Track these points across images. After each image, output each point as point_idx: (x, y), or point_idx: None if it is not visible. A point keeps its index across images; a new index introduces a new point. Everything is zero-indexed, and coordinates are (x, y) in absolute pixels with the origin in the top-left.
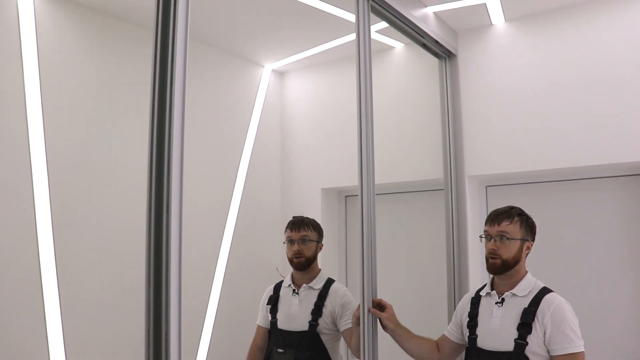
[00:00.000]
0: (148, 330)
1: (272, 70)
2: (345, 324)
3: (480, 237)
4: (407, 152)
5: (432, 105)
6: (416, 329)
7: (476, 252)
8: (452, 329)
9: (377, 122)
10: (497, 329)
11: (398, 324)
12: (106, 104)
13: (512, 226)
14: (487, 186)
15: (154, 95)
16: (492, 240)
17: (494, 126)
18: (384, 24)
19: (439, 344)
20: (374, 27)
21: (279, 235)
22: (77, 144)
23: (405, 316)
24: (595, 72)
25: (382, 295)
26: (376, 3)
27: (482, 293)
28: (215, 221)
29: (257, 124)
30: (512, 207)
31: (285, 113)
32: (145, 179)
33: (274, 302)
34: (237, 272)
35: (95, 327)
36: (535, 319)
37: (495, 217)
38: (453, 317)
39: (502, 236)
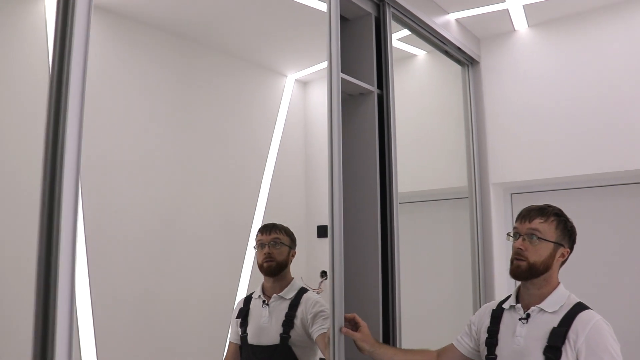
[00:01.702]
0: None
1: (295, 80)
2: (318, 330)
3: (508, 234)
4: (431, 160)
5: (455, 113)
6: (439, 342)
7: (502, 261)
8: (464, 340)
9: (399, 130)
10: (520, 350)
11: (375, 344)
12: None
13: (546, 225)
14: (512, 194)
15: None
16: (521, 239)
17: (518, 133)
18: (405, 32)
19: (441, 355)
20: (395, 35)
21: (304, 243)
22: (107, 149)
23: (428, 328)
24: (621, 77)
25: (404, 307)
26: (398, 11)
27: (506, 305)
28: (240, 229)
29: (281, 133)
30: (549, 205)
31: (308, 122)
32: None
33: (243, 315)
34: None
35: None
36: (567, 341)
37: (528, 214)
38: (466, 327)
39: (532, 235)
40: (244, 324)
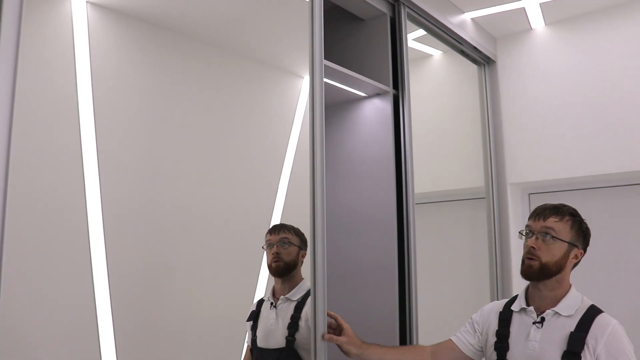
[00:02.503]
0: None
1: None
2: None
3: (520, 233)
4: (447, 160)
5: (472, 112)
6: None
7: (520, 262)
8: (465, 339)
9: (416, 131)
10: (535, 355)
11: (362, 345)
12: (156, 110)
13: (561, 224)
14: (529, 194)
15: None
16: (534, 238)
17: (535, 132)
18: (421, 32)
19: (437, 352)
20: (411, 35)
21: None
22: (128, 149)
23: (446, 329)
24: None
25: (421, 308)
26: (413, 11)
27: (515, 308)
28: (257, 231)
29: (298, 135)
30: (564, 205)
31: None
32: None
33: (254, 317)
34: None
35: (146, 322)
36: (586, 347)
37: (542, 212)
38: (468, 326)
39: (546, 233)
40: (254, 327)
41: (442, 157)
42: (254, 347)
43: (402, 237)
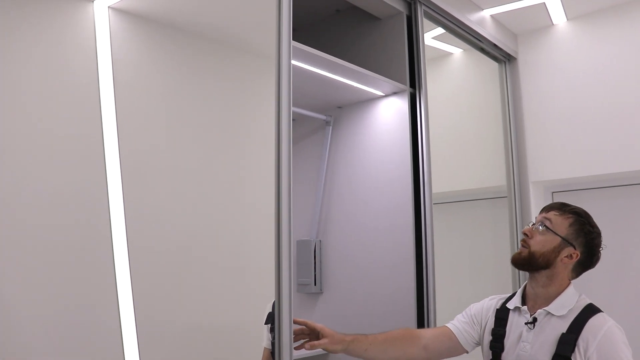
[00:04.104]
0: None
1: None
2: None
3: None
4: (468, 159)
5: (493, 110)
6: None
7: None
8: (464, 330)
9: (435, 130)
10: (526, 357)
11: (344, 340)
12: (178, 112)
13: (560, 218)
14: (553, 192)
15: None
16: (530, 225)
17: (558, 130)
18: (440, 30)
19: (431, 340)
20: (430, 34)
21: None
22: (150, 151)
23: None
24: None
25: (440, 311)
26: (430, 9)
27: (510, 306)
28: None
29: None
30: (575, 206)
31: None
32: None
33: (272, 320)
34: None
35: (168, 322)
36: (576, 349)
37: (549, 206)
38: (466, 317)
39: (542, 223)
40: (273, 329)
41: (462, 156)
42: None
43: (419, 236)
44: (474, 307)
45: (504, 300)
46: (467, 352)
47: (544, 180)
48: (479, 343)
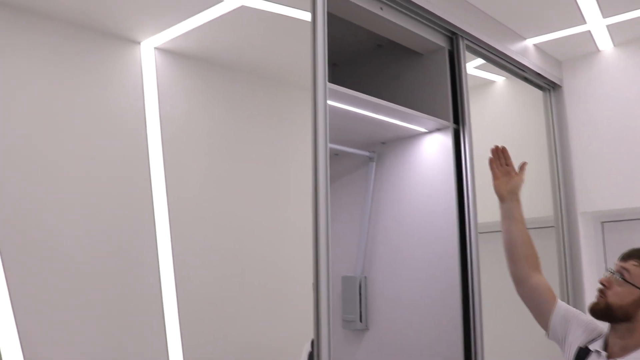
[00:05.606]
0: None
1: None
2: None
3: (606, 269)
4: None
5: (538, 140)
6: None
7: (593, 293)
8: (563, 316)
9: (479, 160)
10: None
11: (514, 197)
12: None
13: (639, 269)
14: (602, 222)
15: None
16: (608, 274)
17: (607, 158)
18: (482, 60)
19: (542, 283)
20: (472, 63)
21: None
22: (195, 184)
23: None
24: None
25: (487, 342)
26: (472, 42)
27: (592, 347)
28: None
29: None
30: None
31: None
32: None
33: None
34: None
35: (212, 329)
36: None
37: (628, 253)
38: (574, 314)
39: (620, 274)
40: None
41: None
42: None
43: (465, 270)
44: (582, 316)
45: (590, 338)
46: (546, 333)
47: (593, 210)
48: (557, 340)
